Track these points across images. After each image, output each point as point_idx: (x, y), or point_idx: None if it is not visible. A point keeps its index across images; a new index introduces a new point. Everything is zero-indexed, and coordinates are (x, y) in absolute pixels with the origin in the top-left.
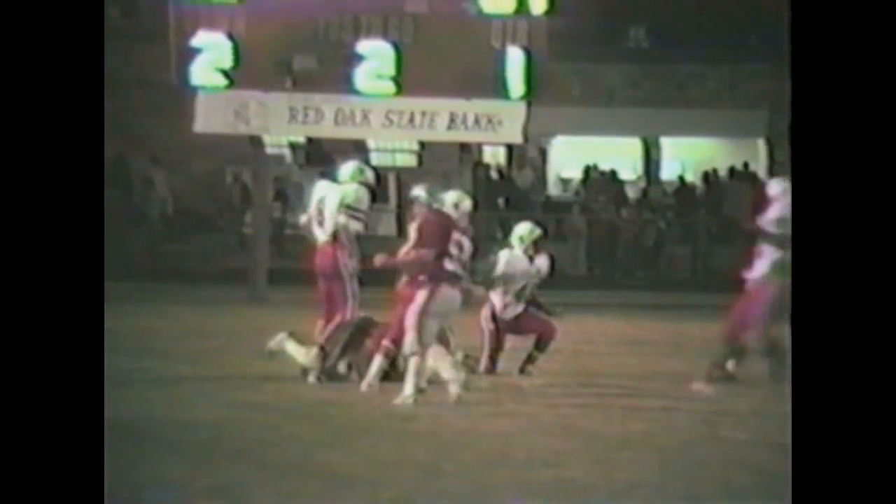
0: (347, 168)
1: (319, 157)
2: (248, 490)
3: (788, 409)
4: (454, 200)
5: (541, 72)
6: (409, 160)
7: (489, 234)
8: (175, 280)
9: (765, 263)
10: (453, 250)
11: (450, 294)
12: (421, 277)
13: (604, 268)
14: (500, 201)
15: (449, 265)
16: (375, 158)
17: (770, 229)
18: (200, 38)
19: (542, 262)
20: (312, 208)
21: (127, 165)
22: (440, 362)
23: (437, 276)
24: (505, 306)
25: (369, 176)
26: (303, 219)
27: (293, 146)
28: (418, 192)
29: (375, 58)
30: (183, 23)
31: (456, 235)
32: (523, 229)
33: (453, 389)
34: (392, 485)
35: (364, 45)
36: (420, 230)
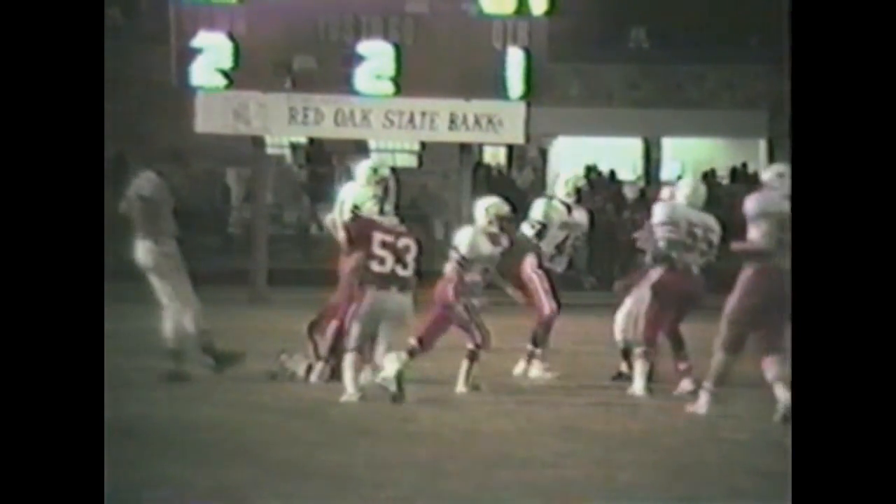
0: (361, 169)
1: (320, 157)
2: (248, 490)
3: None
4: (486, 206)
5: (541, 72)
6: (410, 160)
7: None
8: None
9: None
10: (379, 252)
11: (381, 297)
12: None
13: (603, 268)
14: None
15: (377, 267)
16: (376, 159)
17: (656, 232)
18: (201, 39)
19: (581, 215)
20: (336, 211)
21: (126, 165)
22: (347, 371)
23: (365, 281)
24: (548, 257)
25: (383, 174)
26: (328, 220)
27: (294, 146)
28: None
29: (376, 58)
30: (183, 23)
31: (379, 236)
32: (570, 175)
33: (343, 398)
34: (392, 485)
35: (364, 46)
36: (343, 241)
